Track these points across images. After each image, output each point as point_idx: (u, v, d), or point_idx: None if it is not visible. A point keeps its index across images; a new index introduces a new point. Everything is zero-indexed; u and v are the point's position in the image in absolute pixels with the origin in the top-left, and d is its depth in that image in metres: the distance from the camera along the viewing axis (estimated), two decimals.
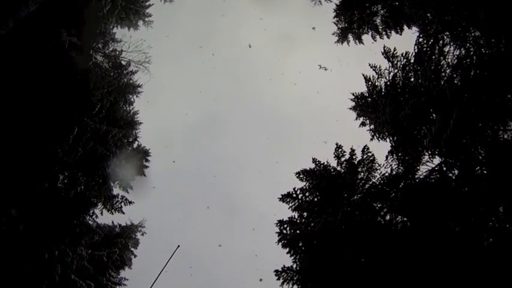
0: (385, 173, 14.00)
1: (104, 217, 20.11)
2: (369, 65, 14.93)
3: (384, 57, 14.44)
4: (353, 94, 16.25)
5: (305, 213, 14.73)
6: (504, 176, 11.38)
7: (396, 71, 13.94)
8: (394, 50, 13.87)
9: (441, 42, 13.29)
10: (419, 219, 12.46)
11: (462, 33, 12.84)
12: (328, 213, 14.20)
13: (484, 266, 10.95)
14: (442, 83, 13.23)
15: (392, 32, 18.13)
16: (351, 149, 14.87)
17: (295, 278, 13.60)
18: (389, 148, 14.19)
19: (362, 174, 14.62)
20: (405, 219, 13.20)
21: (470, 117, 12.37)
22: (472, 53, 12.69)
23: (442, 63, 13.33)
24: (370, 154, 14.41)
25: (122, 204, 17.72)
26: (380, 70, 14.61)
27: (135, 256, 21.01)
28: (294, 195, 14.27)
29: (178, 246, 14.90)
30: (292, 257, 13.76)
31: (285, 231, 13.86)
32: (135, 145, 20.28)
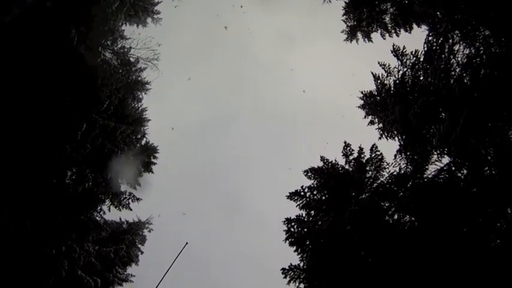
0: (393, 172, 13.89)
1: (111, 214, 20.33)
2: (378, 63, 14.78)
3: (393, 55, 14.32)
4: (362, 92, 16.13)
5: (313, 212, 14.66)
6: None
7: (405, 69, 13.81)
8: (404, 49, 13.76)
9: (451, 40, 13.15)
10: (427, 219, 12.37)
11: (472, 32, 12.67)
12: (335, 212, 14.18)
13: (491, 267, 10.88)
14: (452, 81, 13.09)
15: (402, 30, 18.04)
16: (359, 147, 14.75)
17: (302, 277, 13.62)
18: (398, 147, 14.11)
19: (370, 172, 14.50)
20: (413, 218, 13.13)
21: (479, 116, 12.24)
22: (481, 52, 12.55)
23: (451, 61, 13.18)
24: (378, 153, 14.32)
25: (130, 200, 17.80)
26: (389, 68, 14.50)
27: (142, 253, 21.06)
28: (302, 193, 14.21)
29: (187, 243, 14.92)
30: (299, 256, 13.78)
31: (292, 229, 13.84)
32: (143, 142, 20.28)
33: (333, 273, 12.63)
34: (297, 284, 13.11)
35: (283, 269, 13.23)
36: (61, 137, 12.90)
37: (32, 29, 11.18)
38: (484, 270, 10.69)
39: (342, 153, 14.38)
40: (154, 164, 20.34)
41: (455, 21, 12.87)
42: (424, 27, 16.40)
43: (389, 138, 14.85)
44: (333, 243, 13.60)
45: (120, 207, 17.38)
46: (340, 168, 14.71)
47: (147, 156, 20.30)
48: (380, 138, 15.26)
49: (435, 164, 13.03)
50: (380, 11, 17.82)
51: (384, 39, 18.06)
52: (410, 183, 13.37)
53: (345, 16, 18.23)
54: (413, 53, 13.33)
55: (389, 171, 13.98)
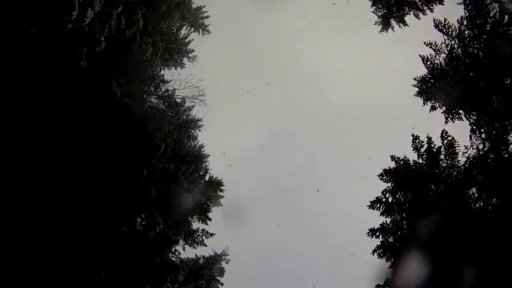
0: (470, 155, 12.54)
1: (187, 251, 20.47)
2: (424, 43, 13.67)
3: (438, 30, 13.08)
4: (415, 79, 14.96)
5: (395, 216, 13.78)
6: None
7: (453, 42, 12.50)
8: (446, 21, 12.49)
9: None
10: None
11: None
12: (418, 214, 13.11)
13: None
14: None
15: (434, 5, 16.72)
16: (428, 137, 13.69)
17: None
18: (470, 127, 12.63)
19: (445, 161, 13.29)
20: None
21: None
22: None
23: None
24: (449, 138, 13.08)
25: (203, 237, 17.74)
26: (437, 46, 13.21)
27: (222, 284, 20.81)
28: (384, 199, 13.44)
29: None
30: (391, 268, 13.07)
31: (383, 240, 13.17)
32: (206, 177, 20.41)
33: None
34: None
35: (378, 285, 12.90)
36: (124, 187, 13.29)
37: (71, 90, 11.82)
38: None
39: (412, 147, 13.45)
40: (222, 197, 20.36)
41: None
42: None
43: (457, 119, 13.39)
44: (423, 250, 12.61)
45: (195, 244, 17.36)
46: (412, 164, 13.73)
47: (213, 191, 20.38)
48: (446, 122, 13.84)
49: None
50: None
51: (419, 19, 16.90)
52: (491, 162, 11.86)
53: (374, 7, 17.31)
54: (459, 20, 12.04)
55: (466, 155, 12.63)
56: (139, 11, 15.42)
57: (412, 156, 13.90)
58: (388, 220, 13.73)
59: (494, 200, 11.91)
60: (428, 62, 13.93)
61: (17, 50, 10.21)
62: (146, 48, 15.13)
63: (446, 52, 13.37)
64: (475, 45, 12.84)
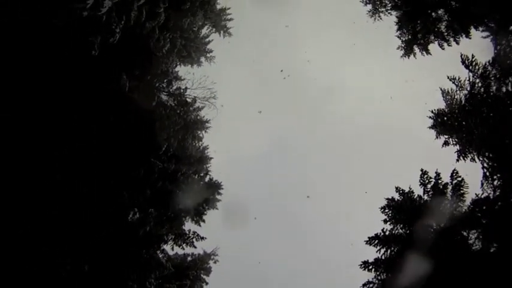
0: (476, 198, 12.10)
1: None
2: (448, 77, 13.15)
3: (464, 66, 12.54)
4: (432, 112, 14.42)
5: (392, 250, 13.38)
6: None
7: (477, 80, 11.93)
8: (473, 57, 11.89)
9: None
10: None
11: None
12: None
13: None
14: None
15: (461, 37, 16.08)
16: (436, 173, 13.16)
17: None
18: (483, 172, 12.05)
19: (450, 199, 12.84)
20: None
21: None
22: None
23: None
24: (459, 179, 12.59)
25: (194, 239, 17.31)
26: (460, 82, 12.65)
27: (206, 283, 20.30)
28: (383, 237, 13.07)
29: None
30: None
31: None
32: (206, 179, 19.98)
33: None
34: None
35: None
36: (120, 184, 12.92)
37: (85, 75, 11.41)
38: None
39: (420, 182, 12.99)
40: (219, 200, 19.90)
41: None
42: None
43: (469, 159, 12.83)
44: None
45: (184, 245, 16.91)
46: (417, 198, 13.28)
47: (211, 193, 19.93)
48: (458, 160, 13.27)
49: None
50: (434, 20, 16.18)
51: (443, 49, 16.35)
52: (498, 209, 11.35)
53: (399, 31, 16.87)
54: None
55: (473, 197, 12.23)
56: (162, 5, 14.99)
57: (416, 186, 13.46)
58: (383, 255, 13.25)
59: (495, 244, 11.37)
60: (448, 97, 13.41)
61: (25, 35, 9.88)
62: (164, 43, 14.67)
63: (467, 89, 12.82)
64: (499, 86, 12.32)
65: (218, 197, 19.80)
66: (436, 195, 13.06)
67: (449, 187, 12.88)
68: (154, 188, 14.89)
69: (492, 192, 11.01)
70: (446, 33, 15.62)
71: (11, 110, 10.09)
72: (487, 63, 11.58)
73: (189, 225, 19.33)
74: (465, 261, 11.40)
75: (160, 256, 15.37)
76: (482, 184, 11.24)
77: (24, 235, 9.37)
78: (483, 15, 13.81)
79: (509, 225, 10.40)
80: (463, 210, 12.29)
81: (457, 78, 12.58)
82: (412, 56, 17.09)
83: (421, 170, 13.58)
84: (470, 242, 12.01)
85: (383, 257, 13.10)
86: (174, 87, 16.53)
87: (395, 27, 16.87)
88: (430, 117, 14.26)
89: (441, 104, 14.23)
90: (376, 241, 13.39)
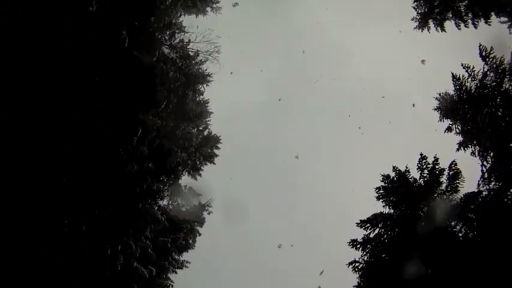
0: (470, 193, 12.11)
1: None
2: (462, 65, 12.52)
3: (481, 57, 11.88)
4: (439, 94, 13.95)
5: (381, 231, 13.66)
6: None
7: (492, 74, 11.36)
8: (491, 50, 11.18)
9: None
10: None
11: None
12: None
13: None
14: None
15: (480, 21, 15.11)
16: (435, 158, 13.06)
17: None
18: (482, 169, 11.92)
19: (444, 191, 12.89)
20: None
21: None
22: None
23: None
24: (457, 170, 12.53)
25: (190, 196, 17.60)
26: (473, 71, 12.08)
27: (199, 234, 21.09)
28: (374, 221, 13.17)
29: None
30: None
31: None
32: (205, 133, 19.84)
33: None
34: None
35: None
36: (115, 145, 12.70)
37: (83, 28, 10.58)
38: None
39: (417, 167, 12.92)
40: (217, 156, 19.90)
41: None
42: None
43: (470, 153, 12.62)
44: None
45: (179, 201, 17.25)
46: (412, 182, 13.08)
47: (209, 147, 19.86)
48: (458, 150, 13.07)
49: None
50: None
51: (459, 29, 15.55)
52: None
53: (415, 3, 15.91)
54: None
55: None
56: None
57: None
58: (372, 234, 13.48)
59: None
60: (458, 83, 12.85)
61: None
62: None
63: (479, 80, 12.28)
64: None
65: (216, 151, 19.84)
66: (431, 181, 13.04)
67: (445, 174, 12.83)
68: (151, 146, 14.74)
69: (486, 192, 10.91)
70: (465, 14, 14.72)
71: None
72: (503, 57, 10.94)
73: (185, 179, 19.68)
74: (451, 249, 11.51)
75: (156, 210, 15.63)
76: (478, 184, 11.12)
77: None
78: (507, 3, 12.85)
79: (498, 223, 10.48)
80: (455, 201, 12.32)
81: (470, 67, 11.95)
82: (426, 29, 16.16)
83: (420, 154, 13.45)
84: (456, 230, 12.17)
85: (371, 236, 13.32)
86: (177, 40, 15.65)
87: None
88: (436, 98, 13.88)
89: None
90: (368, 224, 13.54)
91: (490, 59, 11.24)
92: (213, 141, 19.66)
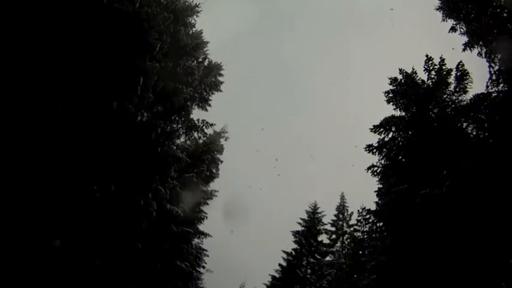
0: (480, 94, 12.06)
1: None
2: None
3: None
4: None
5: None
6: None
7: None
8: None
9: None
10: None
11: None
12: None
13: None
14: None
15: None
16: (441, 58, 12.83)
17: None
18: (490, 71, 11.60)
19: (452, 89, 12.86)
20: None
21: None
22: None
23: None
24: (464, 70, 12.33)
25: (204, 127, 17.87)
26: None
27: (221, 162, 21.97)
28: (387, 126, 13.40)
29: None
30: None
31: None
32: (205, 63, 19.31)
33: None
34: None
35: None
36: (121, 98, 12.65)
37: None
38: None
39: (424, 68, 12.89)
40: (222, 82, 19.67)
41: None
42: None
43: (476, 53, 12.15)
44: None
45: (196, 134, 17.60)
46: (420, 83, 13.25)
47: (213, 76, 19.54)
48: (464, 50, 12.63)
49: None
50: None
51: None
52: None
53: None
54: None
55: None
56: None
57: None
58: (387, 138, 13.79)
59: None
60: None
61: None
62: None
63: None
64: None
65: (220, 78, 19.57)
66: (439, 82, 12.94)
67: (453, 75, 12.66)
68: (156, 91, 14.65)
69: (496, 94, 10.76)
70: None
71: None
72: None
73: (196, 112, 19.74)
74: (463, 149, 11.78)
75: (175, 149, 16.13)
76: (487, 86, 10.89)
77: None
78: None
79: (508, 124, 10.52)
80: (465, 102, 12.30)
81: None
82: None
83: (426, 55, 13.20)
84: (467, 131, 12.31)
85: (386, 140, 13.65)
86: None
87: None
88: None
89: None
90: (381, 129, 13.77)
91: None
92: (215, 69, 19.29)
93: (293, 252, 22.74)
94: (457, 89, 12.34)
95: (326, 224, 23.34)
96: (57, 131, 10.54)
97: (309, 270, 21.69)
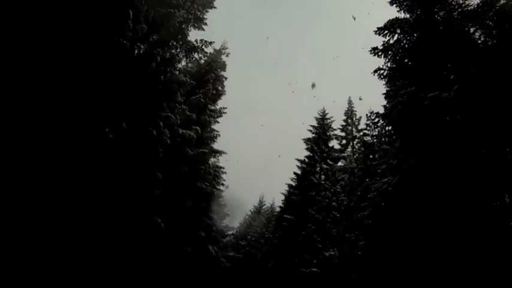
0: None
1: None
2: None
3: None
4: None
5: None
6: None
7: None
8: None
9: None
10: None
11: None
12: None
13: None
14: None
15: None
16: None
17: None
18: None
19: None
20: None
21: None
22: None
23: None
24: None
25: (203, 47, 17.29)
26: None
27: (226, 78, 21.66)
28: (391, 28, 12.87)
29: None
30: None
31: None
32: None
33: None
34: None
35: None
36: (113, 35, 12.03)
37: None
38: None
39: None
40: None
41: None
42: None
43: None
44: None
45: (196, 55, 17.11)
46: None
47: None
48: None
49: None
50: None
51: None
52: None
53: None
54: None
55: None
56: None
57: None
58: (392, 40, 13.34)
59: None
60: None
61: None
62: None
63: None
64: None
65: None
66: None
67: None
68: (148, 20, 13.99)
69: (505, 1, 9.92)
70: None
71: None
72: None
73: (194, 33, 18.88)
74: (470, 54, 11.33)
75: (178, 74, 15.86)
76: None
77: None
78: None
79: None
80: (472, 7, 11.56)
81: None
82: None
83: None
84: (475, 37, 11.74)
85: (391, 43, 13.20)
86: None
87: None
88: None
89: None
90: (386, 31, 13.28)
91: None
92: None
93: (306, 160, 23.43)
94: None
95: (336, 130, 23.65)
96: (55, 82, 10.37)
97: (322, 176, 22.52)
